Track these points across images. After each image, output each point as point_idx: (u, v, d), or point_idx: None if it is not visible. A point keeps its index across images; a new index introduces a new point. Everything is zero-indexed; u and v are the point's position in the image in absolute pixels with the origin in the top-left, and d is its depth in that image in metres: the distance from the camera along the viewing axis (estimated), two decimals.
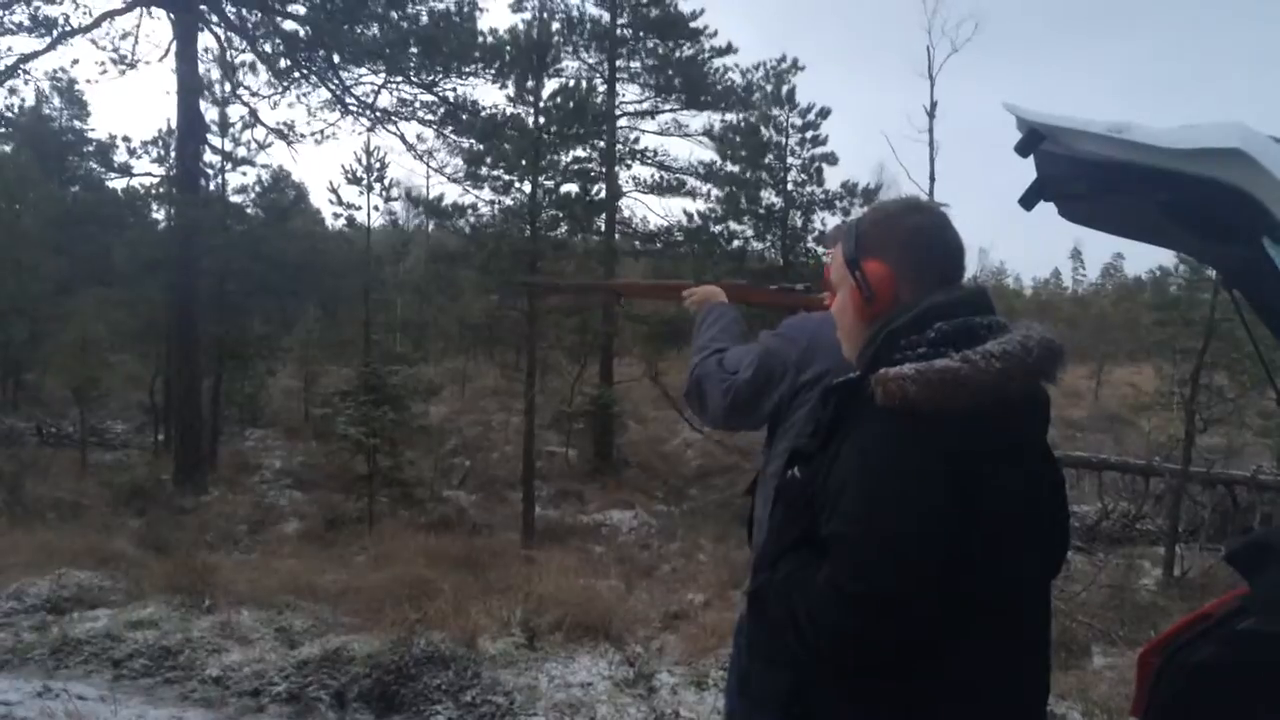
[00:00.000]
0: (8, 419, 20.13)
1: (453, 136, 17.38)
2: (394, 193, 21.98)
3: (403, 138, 18.09)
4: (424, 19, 16.39)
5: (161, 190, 20.57)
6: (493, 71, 16.98)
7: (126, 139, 20.96)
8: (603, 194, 19.84)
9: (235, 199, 19.93)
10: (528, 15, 20.06)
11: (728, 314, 2.28)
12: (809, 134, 21.27)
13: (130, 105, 60.12)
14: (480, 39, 16.91)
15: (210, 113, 17.91)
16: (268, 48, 17.10)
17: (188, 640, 4.74)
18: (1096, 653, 6.33)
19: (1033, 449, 1.39)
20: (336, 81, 17.04)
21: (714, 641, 4.84)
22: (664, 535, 14.21)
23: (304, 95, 17.24)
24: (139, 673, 4.53)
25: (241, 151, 18.84)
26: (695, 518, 15.46)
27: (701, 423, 2.26)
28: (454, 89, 16.91)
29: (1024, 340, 1.30)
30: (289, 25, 16.83)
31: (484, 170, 17.27)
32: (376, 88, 17.02)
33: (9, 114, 19.48)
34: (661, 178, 22.01)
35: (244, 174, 27.30)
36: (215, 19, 16.89)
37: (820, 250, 19.49)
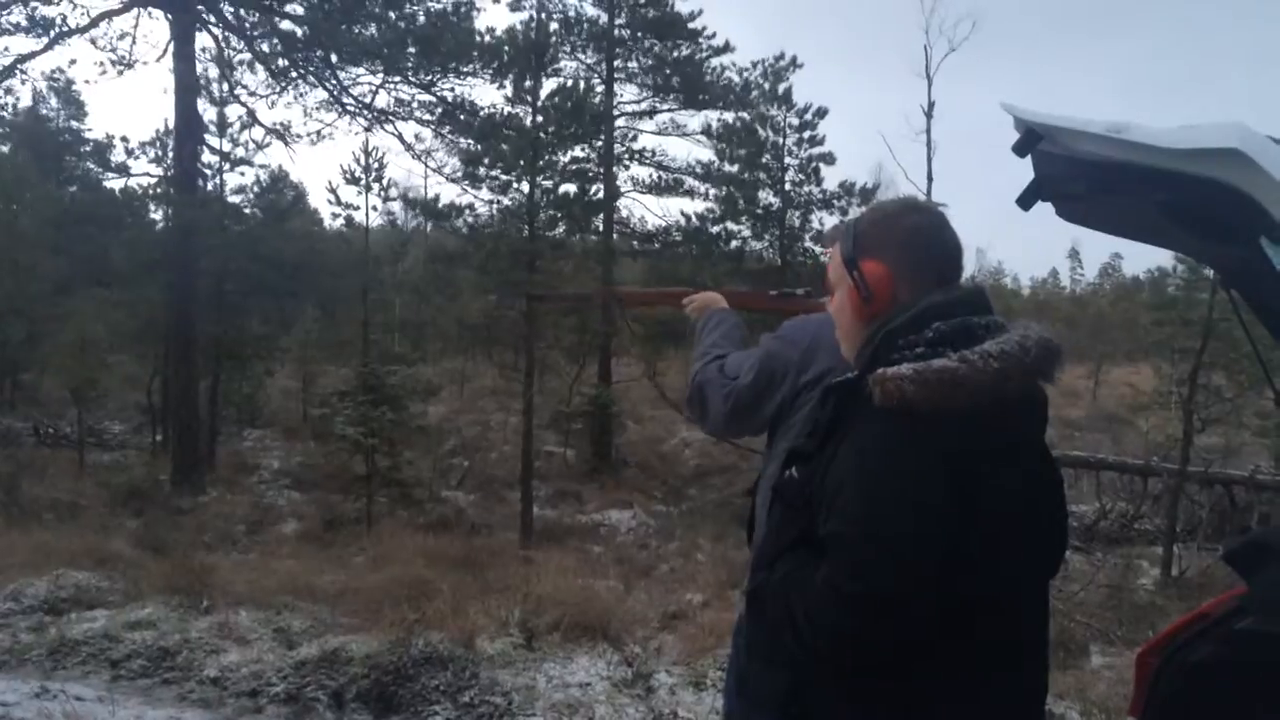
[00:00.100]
0: (5, 419, 20.12)
1: (450, 136, 17.43)
2: (392, 193, 22.03)
3: (401, 138, 18.14)
4: (421, 19, 16.40)
5: (159, 190, 20.58)
6: (491, 71, 17.03)
7: (124, 139, 20.89)
8: (601, 194, 19.86)
9: (233, 199, 20.02)
10: (525, 15, 20.11)
11: (728, 320, 2.28)
12: (806, 134, 21.36)
13: (128, 105, 60.32)
14: (478, 39, 16.96)
15: (208, 113, 17.99)
16: (265, 47, 17.12)
17: (186, 641, 4.72)
18: (1095, 652, 6.35)
19: (1031, 449, 1.39)
20: (334, 81, 17.06)
21: (712, 641, 4.84)
22: (662, 535, 14.19)
23: (302, 95, 17.31)
24: (137, 673, 4.52)
25: (239, 151, 18.92)
26: (693, 517, 15.44)
27: (703, 430, 2.25)
28: (452, 89, 16.97)
29: (1022, 340, 1.30)
30: (286, 25, 16.86)
31: (482, 170, 17.25)
32: (374, 88, 17.07)
33: (6, 114, 19.54)
34: (659, 178, 22.08)
35: (242, 174, 27.41)
36: (213, 19, 16.88)
37: (818, 250, 19.51)
